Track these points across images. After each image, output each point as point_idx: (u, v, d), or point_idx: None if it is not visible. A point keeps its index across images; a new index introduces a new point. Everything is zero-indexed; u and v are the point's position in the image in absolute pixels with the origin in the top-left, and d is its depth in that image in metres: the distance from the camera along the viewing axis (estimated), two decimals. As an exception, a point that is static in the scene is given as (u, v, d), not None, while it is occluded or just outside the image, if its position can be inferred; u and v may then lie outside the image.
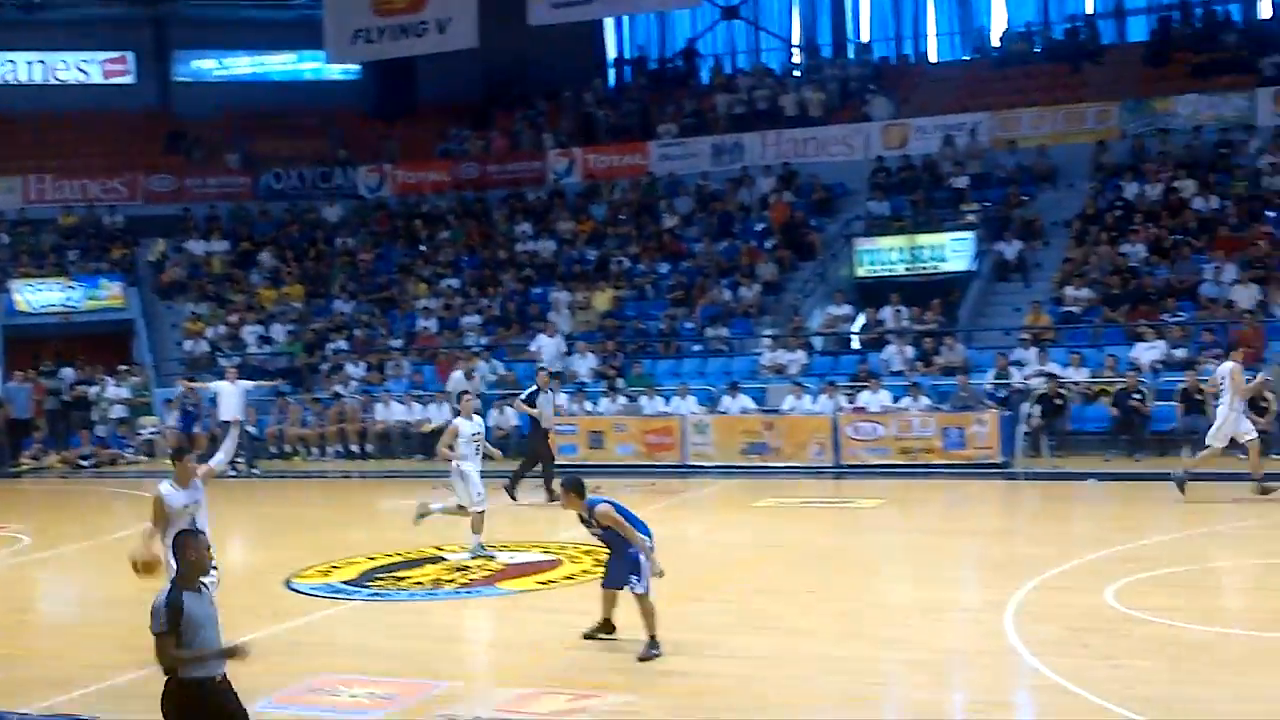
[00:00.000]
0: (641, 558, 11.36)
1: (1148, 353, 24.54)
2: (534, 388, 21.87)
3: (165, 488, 11.21)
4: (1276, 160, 28.78)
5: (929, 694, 10.53)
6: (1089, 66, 34.18)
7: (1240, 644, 11.23)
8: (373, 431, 28.43)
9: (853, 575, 15.14)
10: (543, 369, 23.37)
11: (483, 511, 16.44)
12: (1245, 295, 25.44)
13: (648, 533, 11.55)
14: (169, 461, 12.17)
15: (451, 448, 16.65)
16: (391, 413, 28.31)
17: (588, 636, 11.77)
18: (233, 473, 25.65)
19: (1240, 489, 18.29)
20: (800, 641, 12.01)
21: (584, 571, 15.00)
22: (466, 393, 18.78)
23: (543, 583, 14.87)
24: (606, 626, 11.81)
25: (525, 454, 22.04)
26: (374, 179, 39.16)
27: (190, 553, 7.80)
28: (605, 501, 11.67)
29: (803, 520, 19.40)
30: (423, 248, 35.99)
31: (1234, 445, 18.74)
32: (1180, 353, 24.44)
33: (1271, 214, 27.82)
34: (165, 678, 7.59)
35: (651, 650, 11.28)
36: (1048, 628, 11.98)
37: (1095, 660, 10.87)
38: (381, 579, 15.22)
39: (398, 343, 32.12)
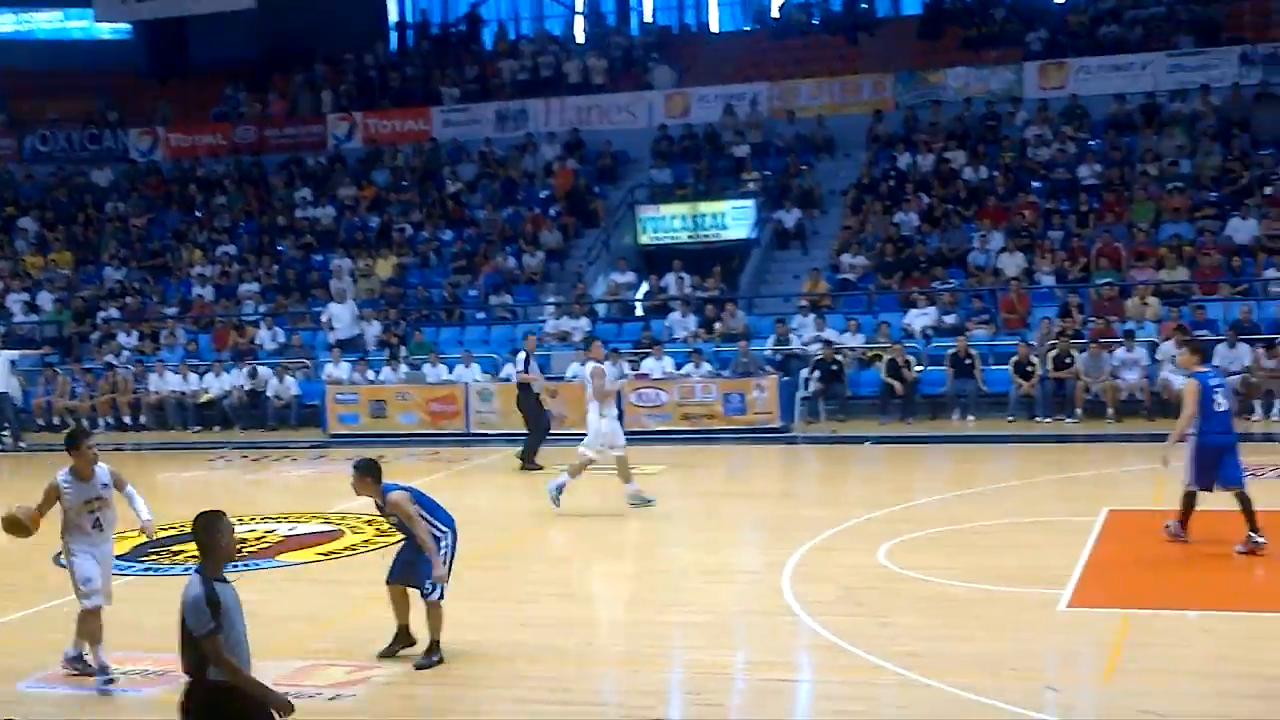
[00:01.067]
0: (433, 560, 10.24)
1: (919, 319, 25.28)
2: (524, 353, 21.22)
3: (63, 476, 10.27)
4: (1041, 132, 29.85)
5: (708, 655, 10.70)
6: (865, 38, 34.91)
7: (1002, 599, 11.68)
8: (146, 402, 27.65)
9: (635, 541, 15.31)
10: (530, 334, 22.96)
11: (623, 455, 16.82)
12: (1011, 263, 26.36)
13: (451, 522, 10.52)
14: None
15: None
16: (166, 383, 27.56)
17: (384, 656, 10.47)
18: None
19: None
20: (583, 607, 12.11)
21: (365, 542, 14.87)
22: (596, 339, 18.57)
23: (324, 554, 14.69)
24: (403, 636, 10.54)
25: (527, 423, 21.16)
26: (146, 142, 37.96)
27: (221, 537, 6.92)
28: (401, 489, 10.34)
29: (586, 487, 19.48)
30: (198, 213, 35.05)
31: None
32: (950, 319, 25.25)
33: (1036, 184, 28.88)
34: (189, 680, 6.81)
35: (431, 658, 10.26)
36: (823, 588, 12.30)
37: (867, 618, 11.20)
38: (155, 553, 14.82)
39: (172, 311, 31.28)
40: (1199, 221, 26.56)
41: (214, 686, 6.72)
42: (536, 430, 20.86)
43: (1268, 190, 26.83)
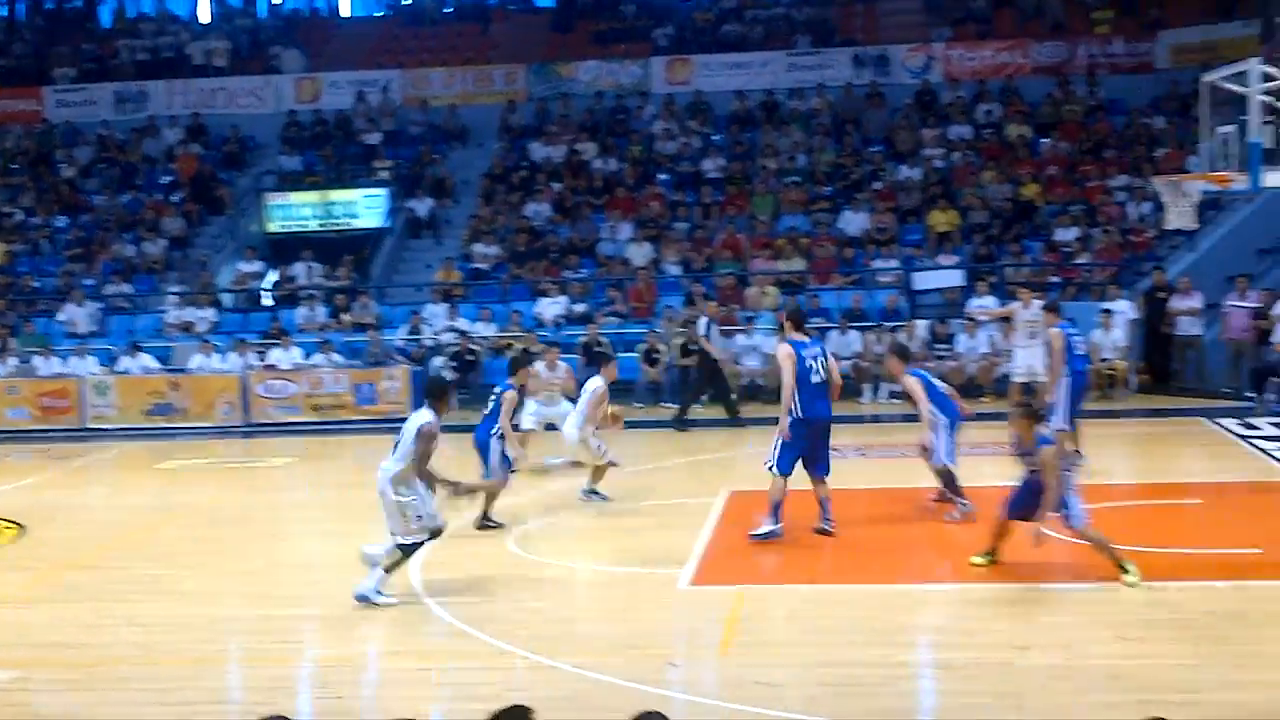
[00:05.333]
0: None
1: (551, 308, 25.56)
2: (704, 319, 21.94)
3: None
4: (668, 126, 30.62)
5: (334, 649, 10.52)
6: (498, 29, 35.03)
7: (627, 581, 11.94)
8: None
9: (258, 535, 14.90)
10: (711, 301, 23.25)
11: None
12: (639, 253, 26.97)
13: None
14: None
15: None
16: None
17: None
18: None
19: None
20: (201, 605, 11.70)
21: (-33, 544, 13.99)
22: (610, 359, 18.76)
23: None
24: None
25: (696, 385, 22.41)
26: None
27: None
28: None
29: (209, 481, 18.93)
30: None
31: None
32: (580, 308, 25.63)
33: (663, 176, 29.62)
34: None
35: None
36: (454, 577, 12.27)
37: (496, 604, 11.25)
38: None
39: None
40: (815, 214, 27.80)
41: None
42: (705, 388, 22.15)
43: (877, 185, 28.31)
